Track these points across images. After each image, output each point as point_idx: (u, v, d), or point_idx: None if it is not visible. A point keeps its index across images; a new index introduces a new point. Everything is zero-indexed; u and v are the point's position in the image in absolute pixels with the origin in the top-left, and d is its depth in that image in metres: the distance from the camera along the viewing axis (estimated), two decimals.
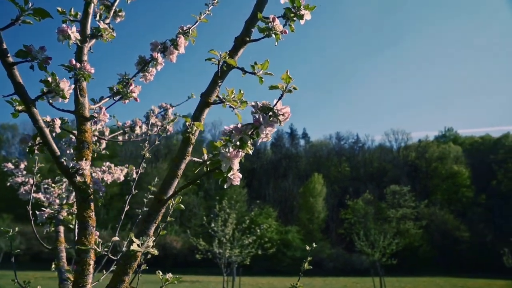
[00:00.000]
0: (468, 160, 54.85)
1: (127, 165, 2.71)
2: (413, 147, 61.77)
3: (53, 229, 1.99)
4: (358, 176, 59.70)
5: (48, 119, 1.31)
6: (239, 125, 1.17)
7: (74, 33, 1.40)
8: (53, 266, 1.72)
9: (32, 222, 1.75)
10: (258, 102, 1.18)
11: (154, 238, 1.13)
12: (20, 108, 1.23)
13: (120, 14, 2.09)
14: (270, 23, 1.39)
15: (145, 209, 1.97)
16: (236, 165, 1.13)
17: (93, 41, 1.70)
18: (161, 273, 1.21)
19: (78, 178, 1.31)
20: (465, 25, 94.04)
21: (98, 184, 1.28)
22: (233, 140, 1.16)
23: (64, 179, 2.24)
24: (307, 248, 1.96)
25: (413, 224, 42.71)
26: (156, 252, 1.08)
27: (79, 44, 1.56)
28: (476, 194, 49.90)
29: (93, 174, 2.57)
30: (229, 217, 16.05)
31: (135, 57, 1.95)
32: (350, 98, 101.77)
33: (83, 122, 1.46)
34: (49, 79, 1.17)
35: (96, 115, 1.46)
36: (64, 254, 1.67)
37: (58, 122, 1.29)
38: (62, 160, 1.27)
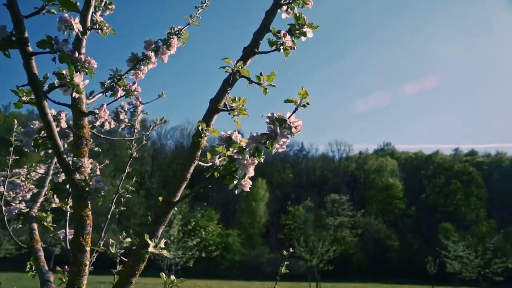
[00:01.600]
0: (402, 174, 58.49)
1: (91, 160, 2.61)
2: (354, 158, 64.65)
3: (20, 225, 1.88)
4: (301, 183, 61.30)
5: (54, 112, 1.25)
6: (255, 134, 1.21)
7: (77, 24, 1.36)
8: (28, 266, 1.64)
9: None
10: (274, 114, 1.23)
11: (165, 240, 1.14)
12: (26, 99, 1.18)
13: (110, 7, 2.04)
14: (281, 38, 1.44)
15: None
16: (251, 172, 1.17)
17: (88, 33, 1.65)
18: (164, 275, 1.21)
19: (77, 176, 1.28)
20: (406, 45, 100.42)
21: (100, 182, 1.25)
22: (248, 148, 1.20)
23: (34, 173, 2.12)
24: (284, 253, 2.03)
25: (349, 232, 44.63)
26: (168, 254, 1.09)
27: (80, 36, 1.51)
28: (407, 206, 53.28)
29: None
30: (175, 218, 15.76)
31: (122, 51, 1.91)
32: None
33: (80, 117, 1.42)
34: (64, 72, 1.13)
35: (97, 111, 1.42)
36: (42, 254, 1.59)
37: (63, 116, 1.24)
38: (65, 156, 1.23)
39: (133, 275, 1.13)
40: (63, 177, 2.40)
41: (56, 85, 1.19)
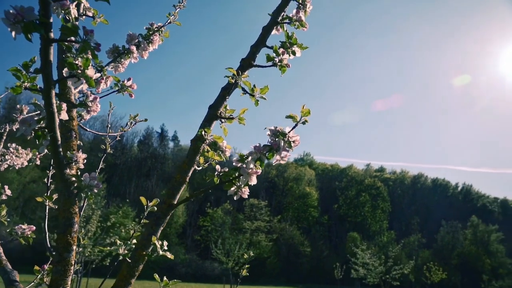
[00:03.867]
0: (318, 183, 61.63)
1: (29, 148, 2.46)
2: (275, 165, 66.61)
3: None
4: (221, 186, 61.41)
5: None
6: (258, 145, 1.27)
7: (74, 9, 1.32)
8: None
9: None
10: (276, 127, 1.30)
11: (166, 243, 1.15)
12: (27, 84, 1.12)
13: None
14: (280, 56, 1.53)
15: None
16: (254, 181, 1.24)
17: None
18: (157, 276, 1.22)
19: (68, 171, 1.23)
20: (322, 66, 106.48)
21: (95, 178, 1.21)
22: (250, 158, 1.26)
23: None
24: (245, 256, 2.11)
25: (265, 237, 45.82)
26: (172, 256, 1.11)
27: (74, 22, 1.45)
28: (321, 214, 56.28)
29: (7, 157, 2.29)
30: (93, 214, 14.82)
31: (104, 43, 1.86)
32: None
33: (70, 108, 1.37)
34: (78, 62, 1.10)
35: (89, 104, 1.36)
36: (1, 251, 1.48)
37: (65, 107, 1.18)
38: (61, 149, 1.18)
39: (132, 276, 1.13)
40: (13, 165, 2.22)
41: (65, 75, 1.15)
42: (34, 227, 1.74)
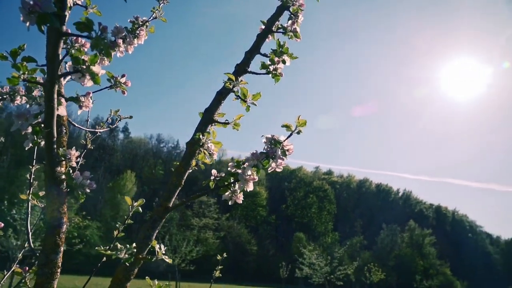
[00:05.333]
0: (268, 183, 62.42)
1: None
2: (226, 163, 66.07)
3: None
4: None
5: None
6: (255, 152, 1.30)
7: None
8: None
9: None
10: (273, 136, 1.33)
11: (165, 246, 1.15)
12: (24, 76, 1.08)
13: None
14: (275, 64, 1.56)
15: None
16: (251, 187, 1.26)
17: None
18: (148, 278, 1.21)
19: (59, 168, 1.19)
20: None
21: (88, 177, 1.17)
22: (247, 164, 1.28)
23: None
24: (218, 257, 2.12)
25: (213, 234, 45.69)
26: (170, 260, 1.11)
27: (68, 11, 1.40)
28: (269, 214, 57.06)
29: None
30: (36, 206, 13.81)
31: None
32: (180, 103, 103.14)
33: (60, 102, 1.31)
34: (86, 57, 1.07)
35: (82, 98, 1.31)
36: None
37: (65, 103, 1.13)
38: (55, 146, 1.14)
39: (128, 280, 1.10)
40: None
41: (68, 70, 1.12)
42: (2, 224, 1.65)
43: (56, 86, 1.04)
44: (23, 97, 1.90)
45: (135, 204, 1.50)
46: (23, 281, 1.18)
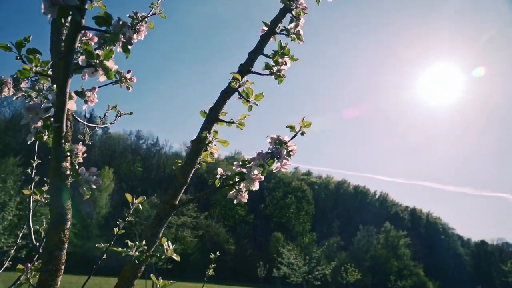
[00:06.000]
0: None
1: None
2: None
3: None
4: (149, 178, 59.85)
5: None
6: (261, 151, 1.31)
7: None
8: None
9: None
10: (279, 136, 1.35)
11: (172, 244, 1.15)
12: (37, 69, 1.06)
13: None
14: (279, 66, 1.58)
15: None
16: (256, 186, 1.27)
17: None
18: (153, 276, 1.21)
19: (64, 164, 1.17)
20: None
21: (94, 173, 1.16)
22: (253, 163, 1.29)
23: None
24: (211, 256, 2.12)
25: (191, 233, 45.40)
26: (178, 258, 1.12)
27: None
28: (247, 213, 57.13)
29: None
30: (10, 200, 13.41)
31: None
32: (161, 100, 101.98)
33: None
34: (99, 52, 1.06)
35: (88, 93, 1.29)
36: None
37: (75, 97, 1.11)
38: (63, 141, 1.12)
39: (135, 277, 1.10)
40: None
41: (81, 64, 1.11)
42: None
43: (70, 80, 1.03)
44: (11, 89, 1.86)
45: (136, 201, 1.49)
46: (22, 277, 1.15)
